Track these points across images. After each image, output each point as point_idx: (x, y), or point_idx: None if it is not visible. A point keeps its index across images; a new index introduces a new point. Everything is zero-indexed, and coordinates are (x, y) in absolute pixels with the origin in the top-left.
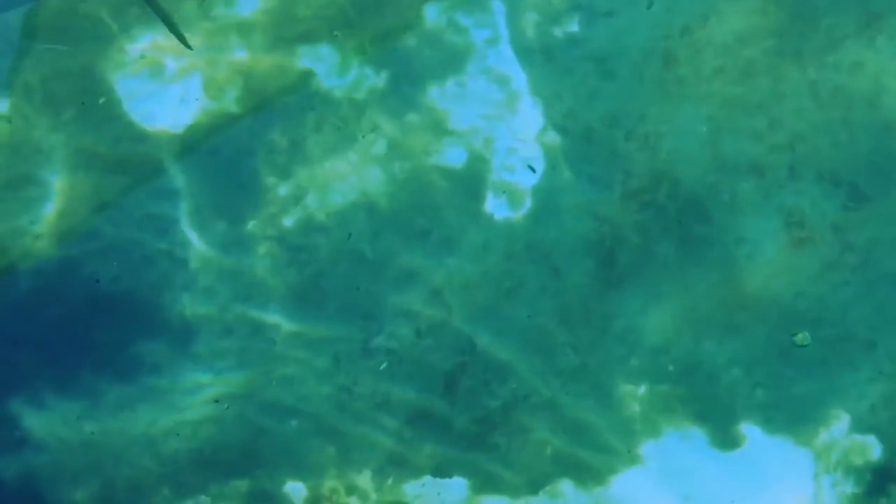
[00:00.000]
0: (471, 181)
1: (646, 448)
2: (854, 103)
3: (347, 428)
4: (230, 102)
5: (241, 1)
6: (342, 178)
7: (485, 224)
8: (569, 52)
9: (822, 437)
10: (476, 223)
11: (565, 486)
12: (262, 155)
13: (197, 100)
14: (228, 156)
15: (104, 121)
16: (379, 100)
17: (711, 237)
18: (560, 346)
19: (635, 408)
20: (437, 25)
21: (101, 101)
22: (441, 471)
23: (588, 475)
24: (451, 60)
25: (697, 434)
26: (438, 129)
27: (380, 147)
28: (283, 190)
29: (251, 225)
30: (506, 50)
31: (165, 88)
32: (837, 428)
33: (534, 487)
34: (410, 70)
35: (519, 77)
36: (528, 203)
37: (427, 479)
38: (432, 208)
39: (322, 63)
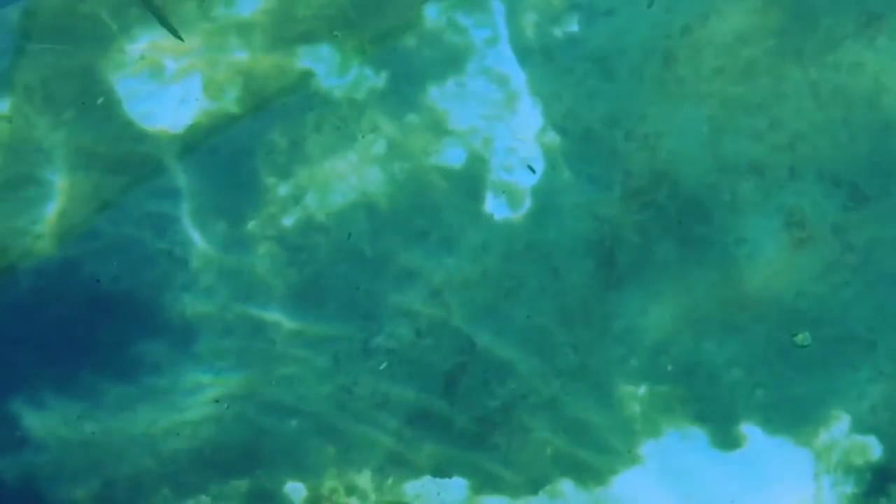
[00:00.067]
0: (470, 181)
1: (646, 448)
2: (854, 103)
3: (347, 428)
4: (230, 103)
5: (241, 1)
6: (342, 178)
7: (484, 224)
8: (568, 51)
9: (823, 437)
10: (476, 223)
11: (565, 485)
12: (262, 155)
13: (197, 100)
14: (228, 156)
15: (104, 121)
16: (379, 100)
17: (712, 237)
18: (560, 347)
19: (635, 408)
20: (437, 25)
21: (100, 101)
22: (441, 471)
23: (588, 475)
24: (451, 60)
25: (698, 434)
26: (438, 129)
27: (379, 147)
28: (283, 190)
29: (251, 225)
30: (505, 50)
31: (165, 89)
32: (838, 428)
33: (534, 487)
34: (410, 70)
35: (518, 77)
36: (527, 203)
37: (427, 478)
38: (432, 208)
39: (322, 63)
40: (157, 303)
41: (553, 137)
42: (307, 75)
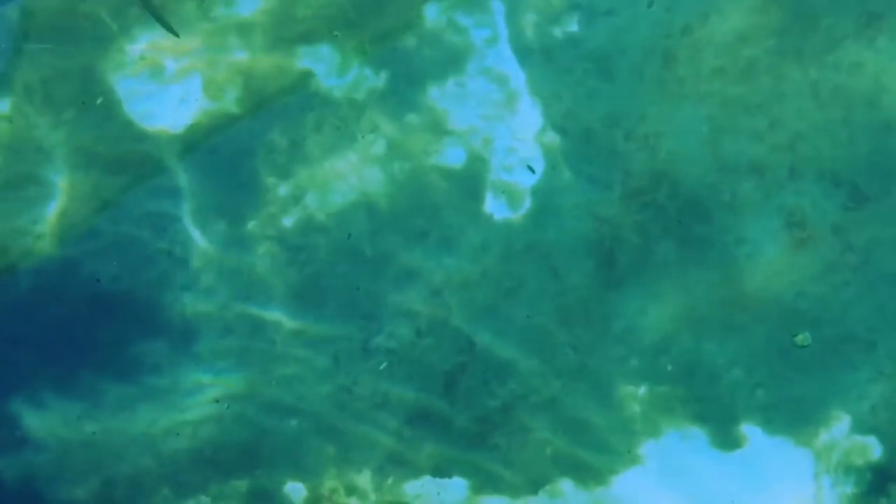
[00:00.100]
0: (470, 181)
1: (646, 448)
2: (854, 103)
3: (347, 428)
4: (230, 103)
5: (241, 1)
6: (342, 179)
7: (484, 224)
8: (568, 51)
9: (823, 437)
10: (475, 223)
11: (565, 485)
12: (262, 155)
13: (197, 100)
14: (228, 156)
15: (105, 121)
16: (378, 100)
17: (712, 237)
18: (560, 347)
19: (635, 408)
20: (437, 25)
21: (99, 101)
22: (441, 471)
23: (588, 475)
24: (451, 60)
25: (698, 434)
26: (438, 129)
27: (379, 147)
28: (283, 190)
29: (251, 225)
30: (505, 50)
31: (165, 89)
32: (838, 428)
33: (534, 487)
34: (410, 70)
35: (518, 77)
36: (527, 203)
37: (427, 478)
38: (432, 208)
39: (322, 63)
40: (157, 303)
41: (553, 137)
42: (307, 75)
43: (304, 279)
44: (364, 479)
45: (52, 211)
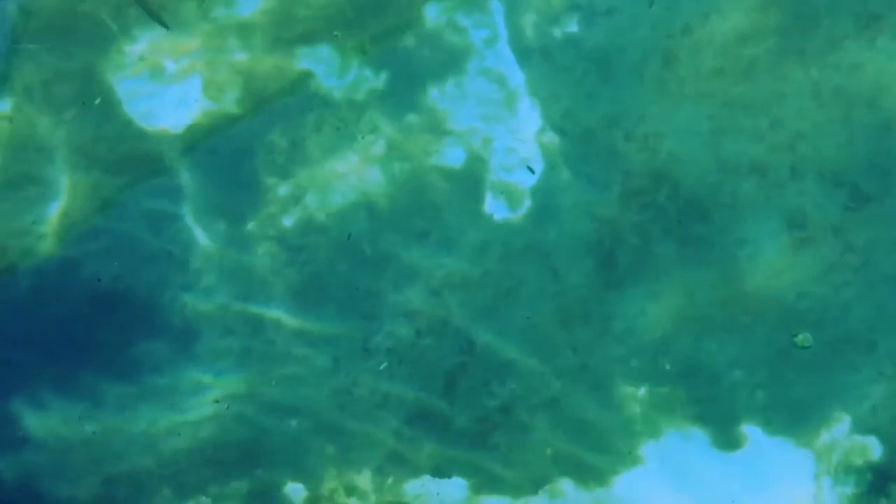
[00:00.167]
0: (470, 182)
1: (646, 449)
2: (854, 103)
3: (347, 428)
4: (230, 103)
5: (241, 2)
6: (342, 179)
7: (484, 224)
8: (567, 52)
9: (823, 437)
10: (475, 224)
11: (566, 486)
12: (262, 155)
13: (197, 101)
14: (228, 156)
15: (105, 121)
16: (378, 100)
17: (712, 238)
18: (560, 347)
19: (636, 409)
20: (437, 25)
21: (97, 101)
22: (441, 470)
23: (589, 475)
24: (451, 61)
25: (698, 435)
26: (437, 129)
27: (379, 147)
28: (283, 190)
29: (251, 225)
30: (505, 50)
31: (165, 89)
32: (838, 429)
33: (534, 487)
34: (410, 70)
35: (517, 77)
36: (526, 203)
37: (427, 478)
38: (432, 208)
39: (322, 64)
40: (157, 302)
41: (552, 138)
42: (307, 76)
43: (304, 279)
44: (364, 479)
45: (53, 211)
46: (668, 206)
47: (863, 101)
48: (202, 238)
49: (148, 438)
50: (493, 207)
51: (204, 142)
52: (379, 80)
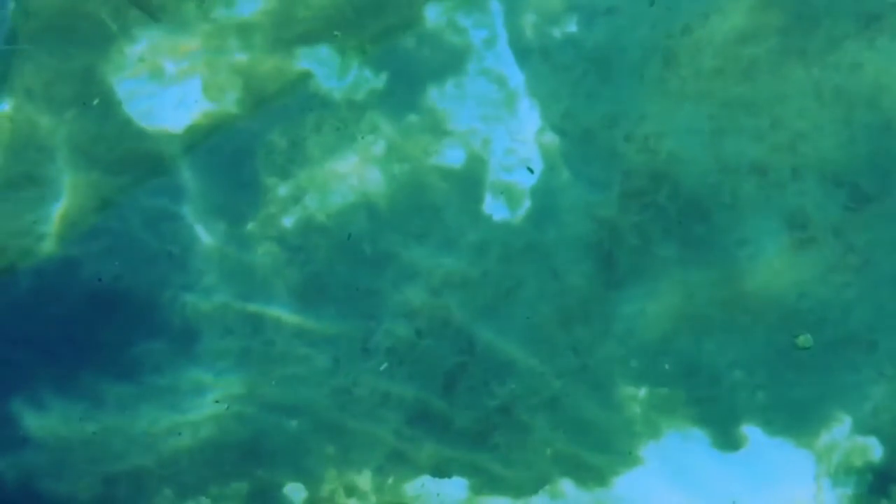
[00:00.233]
0: (469, 182)
1: (647, 449)
2: (854, 103)
3: (347, 428)
4: (230, 104)
5: (241, 2)
6: (342, 179)
7: (483, 225)
8: (567, 52)
9: (824, 438)
10: (475, 224)
11: (566, 486)
12: (262, 155)
13: (197, 101)
14: (228, 156)
15: (105, 121)
16: (378, 101)
17: (712, 238)
18: (560, 347)
19: (636, 409)
20: (437, 26)
21: (96, 102)
22: (440, 470)
23: (589, 476)
24: (450, 61)
25: (699, 435)
26: (437, 129)
27: (379, 148)
28: (283, 190)
29: (251, 225)
30: (504, 50)
31: (165, 90)
32: (839, 429)
33: (534, 487)
34: (410, 71)
35: (517, 77)
36: (526, 204)
37: (427, 478)
38: (431, 209)
39: (321, 65)
40: (157, 302)
41: (552, 138)
42: (307, 76)
43: (304, 279)
44: (364, 480)
45: (54, 211)
46: (668, 207)
47: (863, 101)
48: (202, 238)
49: (148, 438)
50: (493, 208)
51: (204, 142)
52: (379, 81)
